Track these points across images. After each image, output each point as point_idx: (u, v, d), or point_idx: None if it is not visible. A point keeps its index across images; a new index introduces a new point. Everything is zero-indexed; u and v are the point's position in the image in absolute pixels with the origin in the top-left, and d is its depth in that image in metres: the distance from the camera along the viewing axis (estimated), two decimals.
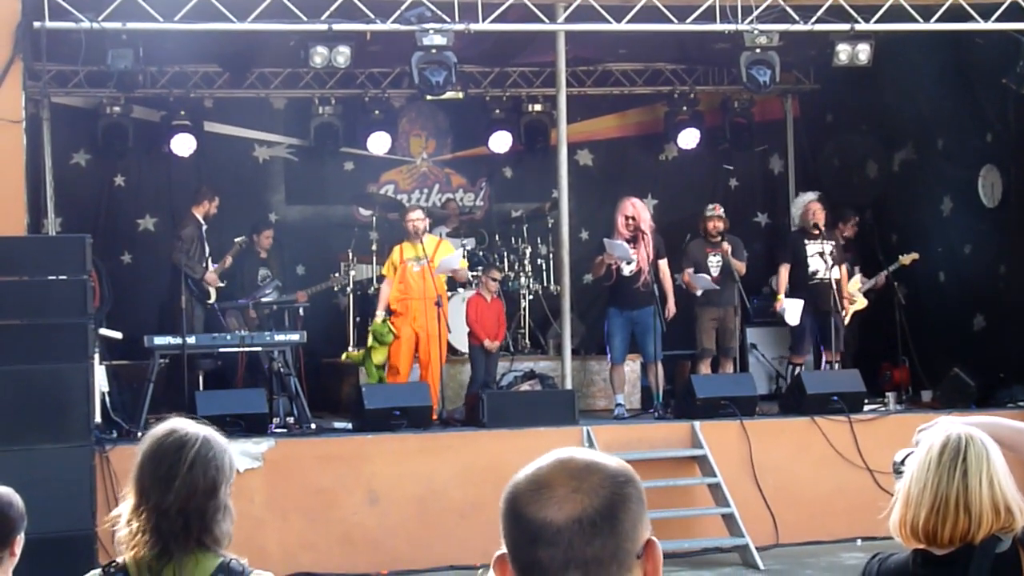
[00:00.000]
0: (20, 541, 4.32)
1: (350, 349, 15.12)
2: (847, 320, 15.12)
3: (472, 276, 15.38)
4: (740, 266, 14.90)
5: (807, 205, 15.19)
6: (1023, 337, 14.38)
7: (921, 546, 3.66)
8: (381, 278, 14.71)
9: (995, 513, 3.58)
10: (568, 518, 2.09)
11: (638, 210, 14.36)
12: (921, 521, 3.60)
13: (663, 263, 14.51)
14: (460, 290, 15.63)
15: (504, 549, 2.17)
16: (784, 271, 15.13)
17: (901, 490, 3.68)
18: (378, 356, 14.15)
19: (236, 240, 15.21)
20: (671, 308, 14.47)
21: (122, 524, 3.65)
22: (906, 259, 15.59)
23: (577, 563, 2.09)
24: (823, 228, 15.00)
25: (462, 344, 15.21)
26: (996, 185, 15.14)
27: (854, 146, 17.35)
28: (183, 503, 3.58)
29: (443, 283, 14.45)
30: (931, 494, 3.59)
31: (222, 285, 15.07)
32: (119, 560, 3.65)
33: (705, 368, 14.87)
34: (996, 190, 15.14)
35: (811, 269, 14.94)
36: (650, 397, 14.81)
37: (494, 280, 15.14)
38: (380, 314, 14.18)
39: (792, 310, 14.89)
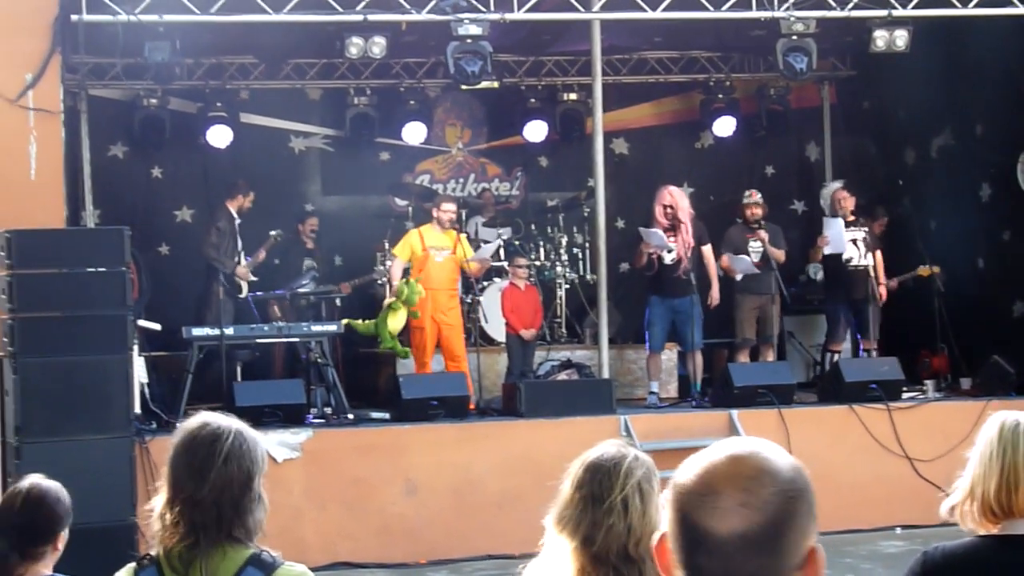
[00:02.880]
0: (64, 536, 4.35)
1: (348, 321, 14.55)
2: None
3: (504, 264, 15.35)
4: (779, 254, 14.84)
5: (834, 194, 15.13)
6: None
7: (993, 529, 3.69)
8: (393, 257, 14.37)
9: None
10: (732, 532, 2.05)
11: (676, 198, 14.30)
12: (992, 492, 3.68)
13: (706, 249, 14.44)
14: (496, 280, 15.61)
15: (667, 529, 2.14)
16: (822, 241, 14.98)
17: (966, 477, 3.75)
18: (395, 322, 13.77)
19: (271, 233, 15.23)
20: (715, 295, 14.43)
21: (155, 517, 3.67)
22: (924, 271, 15.47)
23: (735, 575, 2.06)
24: (856, 215, 14.94)
25: (499, 334, 15.20)
26: None
27: (891, 133, 17.27)
28: (217, 495, 3.59)
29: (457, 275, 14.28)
30: (998, 465, 3.69)
31: (254, 279, 15.10)
32: (152, 553, 3.67)
33: (744, 357, 14.81)
34: None
35: (845, 256, 14.87)
36: (687, 386, 14.79)
37: (520, 267, 15.11)
38: (397, 284, 13.77)
39: (835, 237, 14.69)
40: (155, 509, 3.66)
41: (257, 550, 3.65)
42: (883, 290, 14.90)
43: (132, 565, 3.73)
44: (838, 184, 15.32)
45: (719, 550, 2.05)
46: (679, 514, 2.10)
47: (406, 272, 13.96)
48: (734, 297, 14.77)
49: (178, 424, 3.82)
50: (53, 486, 4.41)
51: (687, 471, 2.14)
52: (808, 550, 2.09)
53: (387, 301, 13.81)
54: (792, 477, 2.10)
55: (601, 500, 3.23)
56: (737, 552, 2.04)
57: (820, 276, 16.24)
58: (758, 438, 2.18)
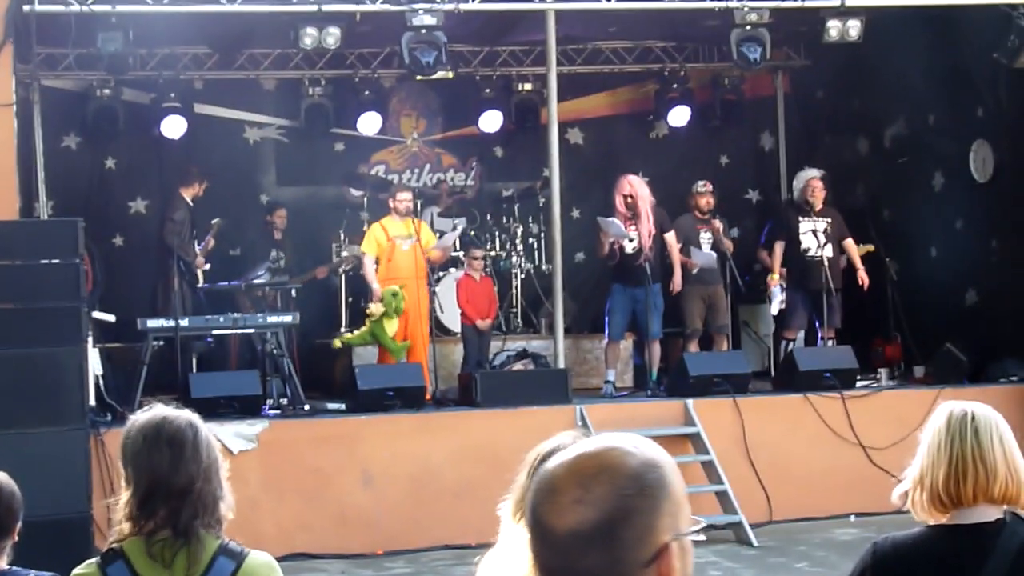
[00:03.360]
0: (19, 527, 4.36)
1: (343, 332, 14.92)
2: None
3: (460, 254, 15.36)
4: (729, 244, 14.93)
5: (809, 181, 15.14)
6: (1015, 312, 14.40)
7: (942, 519, 3.73)
8: (362, 254, 14.57)
9: (1008, 471, 3.72)
10: (567, 529, 2.08)
11: (635, 187, 14.33)
12: (940, 482, 3.71)
13: (669, 236, 14.48)
14: (452, 270, 15.63)
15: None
16: (779, 248, 15.11)
17: (915, 466, 3.78)
18: (391, 326, 13.95)
19: (212, 222, 15.11)
20: (676, 282, 14.46)
21: (121, 512, 3.68)
22: (860, 250, 15.54)
23: (572, 573, 2.09)
24: (821, 206, 15.00)
25: (454, 324, 15.22)
26: (987, 160, 15.15)
27: (845, 122, 17.36)
28: (190, 485, 3.63)
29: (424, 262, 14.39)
30: (947, 454, 3.72)
31: (206, 268, 15.06)
32: (115, 547, 3.68)
33: (694, 347, 14.85)
34: (987, 165, 15.15)
35: (803, 246, 14.95)
36: (642, 375, 14.84)
37: (476, 259, 15.14)
38: (376, 288, 14.09)
39: (777, 299, 14.89)
40: (121, 502, 3.67)
41: (224, 540, 3.70)
42: (863, 275, 14.87)
43: (93, 561, 3.72)
44: (815, 173, 15.26)
45: (557, 545, 2.09)
46: (529, 509, 2.14)
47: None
48: (682, 288, 14.80)
49: (131, 417, 3.83)
50: (4, 479, 4.39)
51: (543, 469, 2.16)
52: (659, 546, 2.10)
53: (372, 308, 13.92)
54: (636, 475, 2.11)
55: None
56: (572, 547, 2.08)
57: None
58: (627, 435, 2.19)
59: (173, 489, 3.64)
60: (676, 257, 14.51)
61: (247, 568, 3.72)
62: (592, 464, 2.12)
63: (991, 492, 3.70)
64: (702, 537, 2.17)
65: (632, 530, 2.08)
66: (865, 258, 15.48)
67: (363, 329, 14.20)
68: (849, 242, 15.08)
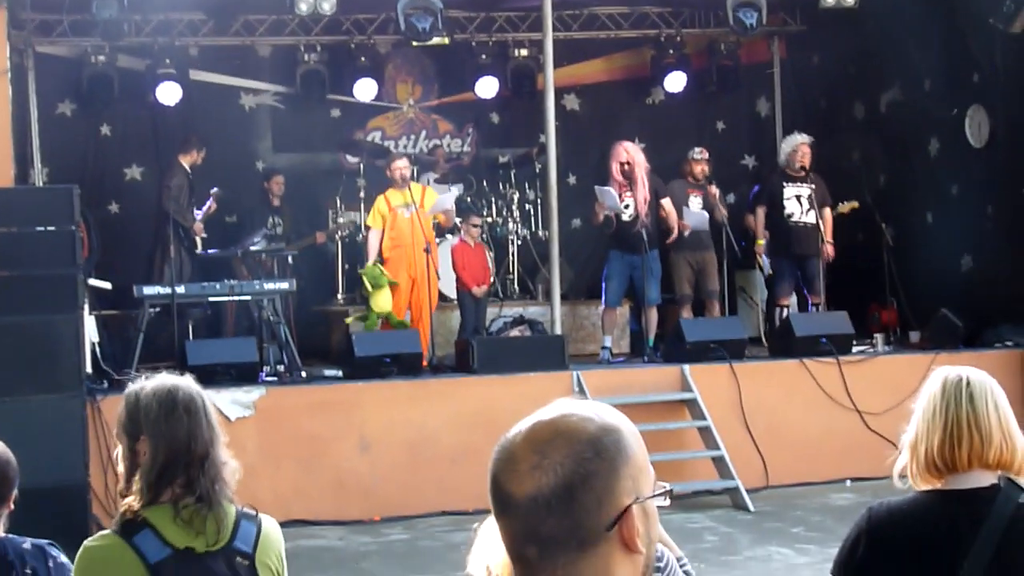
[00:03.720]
0: (15, 494, 4.35)
1: (348, 320, 14.82)
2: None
3: (458, 221, 15.36)
4: (724, 211, 14.94)
5: (797, 146, 15.11)
6: (1010, 277, 14.41)
7: (937, 485, 3.74)
8: (367, 229, 14.70)
9: (1003, 437, 3.72)
10: (525, 495, 2.09)
11: (632, 154, 14.31)
12: (936, 447, 3.72)
13: (665, 202, 14.48)
14: (448, 236, 15.63)
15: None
16: (761, 213, 15.15)
17: (910, 432, 3.78)
18: (377, 303, 14.03)
19: (212, 191, 15.08)
20: (683, 226, 14.46)
21: (136, 481, 3.69)
22: (844, 207, 15.53)
23: (533, 539, 2.10)
24: (807, 171, 14.99)
25: (451, 290, 15.23)
26: (983, 125, 15.13)
27: (841, 88, 17.34)
28: (207, 452, 3.66)
29: (431, 230, 14.46)
30: (942, 419, 3.73)
31: (204, 236, 15.05)
32: (134, 516, 3.67)
33: (687, 312, 14.84)
34: (983, 130, 15.13)
35: (787, 212, 14.95)
36: (639, 341, 14.85)
37: (475, 227, 15.15)
38: (371, 261, 14.21)
39: (766, 263, 14.96)
40: (139, 471, 3.68)
41: (238, 505, 3.75)
42: (830, 248, 14.93)
43: (107, 532, 3.72)
44: (804, 138, 15.22)
45: (517, 511, 2.11)
46: (491, 477, 2.15)
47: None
48: (669, 255, 14.80)
49: (133, 386, 3.84)
50: (0, 447, 4.39)
51: (502, 438, 2.18)
52: (619, 510, 2.11)
53: (366, 289, 14.13)
54: (593, 439, 2.12)
55: None
56: (531, 514, 2.09)
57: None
58: (586, 401, 2.20)
59: (193, 456, 3.66)
60: (674, 220, 14.46)
61: (265, 531, 3.79)
62: (548, 430, 2.13)
63: (986, 458, 3.71)
64: (666, 502, 2.18)
65: (591, 494, 2.09)
66: (858, 220, 15.50)
67: (369, 318, 14.14)
68: (827, 211, 15.07)
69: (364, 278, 14.05)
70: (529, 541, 2.10)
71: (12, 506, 4.35)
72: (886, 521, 3.76)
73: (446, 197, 14.53)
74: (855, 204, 15.57)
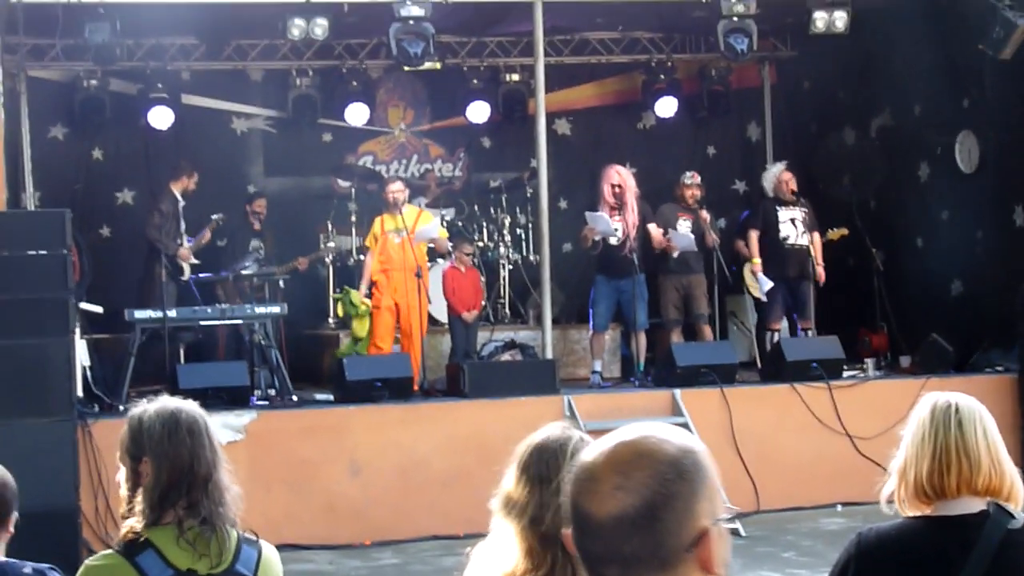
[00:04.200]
0: (15, 517, 4.34)
1: (342, 347, 14.84)
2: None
3: (450, 246, 15.38)
4: (715, 237, 14.98)
5: (779, 176, 15.21)
6: (1000, 303, 14.43)
7: (926, 511, 3.74)
8: (366, 250, 14.75)
9: (992, 463, 3.71)
10: (608, 515, 2.13)
11: (624, 178, 14.38)
12: (924, 474, 3.72)
13: (652, 227, 14.52)
14: (439, 260, 15.64)
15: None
16: (754, 236, 15.19)
17: (899, 458, 3.78)
18: (357, 329, 14.13)
19: (213, 217, 15.13)
20: (669, 245, 14.52)
21: (138, 503, 3.70)
22: (834, 234, 15.58)
23: (616, 560, 2.14)
24: (797, 195, 15.06)
25: (442, 315, 15.23)
26: (973, 151, 15.18)
27: (831, 113, 17.39)
28: (210, 475, 3.68)
29: (423, 254, 14.47)
30: (931, 446, 3.72)
31: (196, 262, 15.05)
32: (137, 537, 3.68)
33: (676, 337, 14.85)
34: (973, 156, 15.19)
35: (782, 235, 15.00)
36: (630, 366, 14.86)
37: (467, 254, 15.17)
38: (363, 288, 14.26)
39: (764, 283, 14.97)
40: (142, 492, 3.69)
41: (239, 530, 3.77)
42: (821, 271, 14.99)
43: (109, 552, 3.73)
44: (781, 166, 15.35)
45: (599, 532, 2.14)
46: (570, 499, 2.18)
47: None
48: (656, 279, 14.83)
49: (121, 407, 3.86)
50: (1, 470, 4.38)
51: (581, 460, 2.21)
52: (699, 531, 2.16)
53: (345, 313, 14.20)
54: (675, 460, 2.16)
55: (548, 481, 3.27)
56: (614, 534, 2.12)
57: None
58: (660, 423, 2.24)
59: (196, 478, 3.67)
60: (659, 239, 14.51)
61: (266, 557, 3.80)
62: (630, 451, 2.17)
63: (974, 484, 3.70)
64: (736, 524, 2.22)
65: (673, 514, 2.14)
66: (849, 245, 15.53)
67: (357, 344, 14.20)
68: (815, 236, 15.12)
69: (339, 304, 14.11)
70: (611, 561, 2.14)
71: (12, 530, 4.34)
72: (875, 547, 3.77)
73: (430, 227, 14.53)
74: (844, 231, 15.62)
